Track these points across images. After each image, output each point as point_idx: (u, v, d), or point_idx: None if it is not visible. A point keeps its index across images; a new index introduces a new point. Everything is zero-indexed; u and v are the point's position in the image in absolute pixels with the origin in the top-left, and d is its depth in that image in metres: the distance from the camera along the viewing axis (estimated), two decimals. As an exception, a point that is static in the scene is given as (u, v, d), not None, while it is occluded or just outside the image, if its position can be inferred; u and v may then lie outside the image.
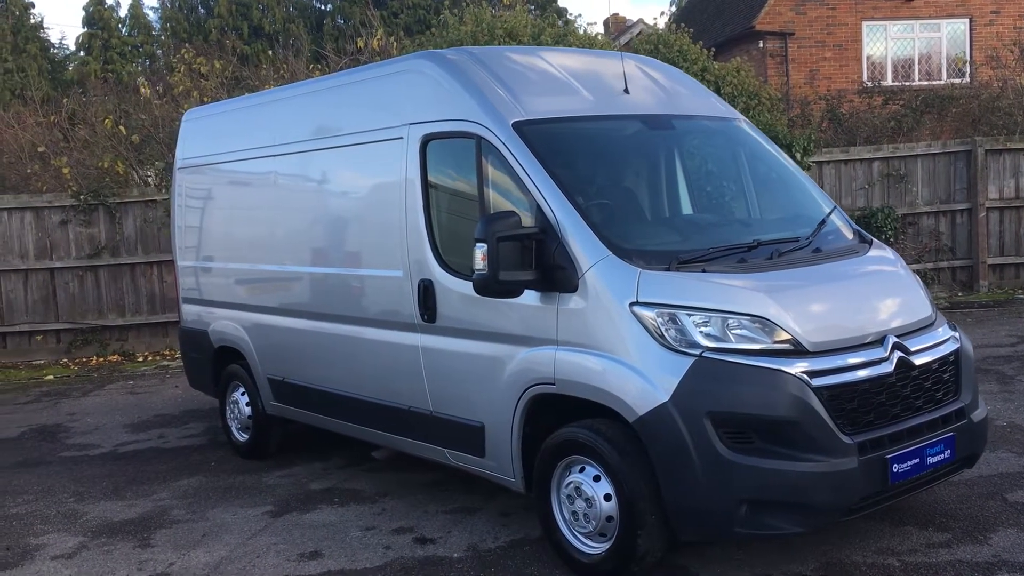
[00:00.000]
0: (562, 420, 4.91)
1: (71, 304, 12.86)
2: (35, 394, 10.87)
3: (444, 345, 5.44)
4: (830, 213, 5.48)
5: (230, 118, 7.69)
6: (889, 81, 20.32)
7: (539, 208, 4.83)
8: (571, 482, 4.78)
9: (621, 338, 4.50)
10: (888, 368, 4.50)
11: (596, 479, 4.67)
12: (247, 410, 7.52)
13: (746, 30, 21.23)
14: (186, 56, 13.39)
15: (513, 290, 4.79)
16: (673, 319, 4.40)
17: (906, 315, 4.83)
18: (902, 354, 4.57)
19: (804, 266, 4.85)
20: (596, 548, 4.71)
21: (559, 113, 5.29)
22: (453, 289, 5.32)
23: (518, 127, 5.07)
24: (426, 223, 5.47)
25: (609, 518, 4.62)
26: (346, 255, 6.18)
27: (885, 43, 21.66)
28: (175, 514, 6.31)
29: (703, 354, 4.32)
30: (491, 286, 4.71)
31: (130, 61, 32.28)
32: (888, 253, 5.38)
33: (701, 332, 4.37)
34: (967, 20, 21.68)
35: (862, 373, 4.42)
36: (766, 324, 4.37)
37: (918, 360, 4.64)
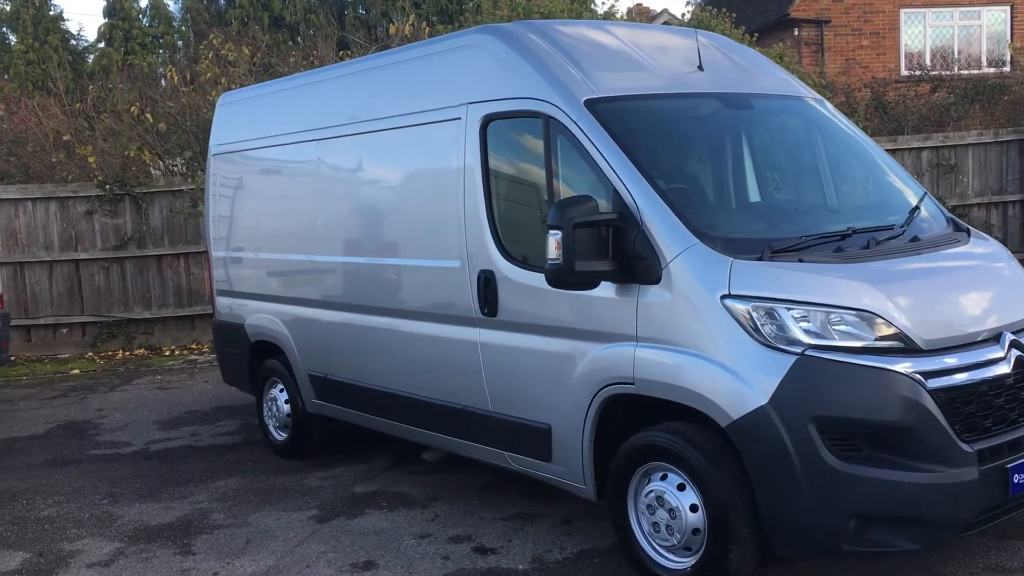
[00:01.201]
0: (638, 423, 4.52)
1: (96, 296, 12.55)
2: (61, 389, 10.57)
3: (506, 341, 5.05)
4: (922, 199, 5.07)
5: (268, 101, 7.32)
6: (916, 71, 19.77)
7: (616, 193, 4.43)
8: (651, 491, 4.39)
9: (711, 334, 4.10)
10: (1006, 368, 4.08)
11: (680, 488, 4.28)
12: (286, 408, 7.17)
13: (781, 18, 20.73)
14: (215, 42, 13.04)
15: (589, 282, 4.39)
16: (771, 313, 3.99)
17: (1020, 310, 4.41)
18: (1020, 352, 4.15)
19: (905, 256, 4.43)
20: (680, 563, 4.32)
21: (633, 90, 4.89)
22: (517, 281, 4.93)
23: (590, 105, 4.67)
24: (486, 209, 5.08)
25: (695, 530, 4.23)
26: (397, 245, 5.80)
27: (923, 31, 21.11)
28: (215, 518, 5.96)
29: (805, 352, 3.91)
30: (566, 277, 4.32)
31: (151, 52, 32.03)
32: (992, 244, 4.96)
33: (801, 328, 3.97)
34: (1008, 7, 21.10)
35: (979, 373, 4.01)
36: (874, 320, 3.96)
37: (1037, 359, 4.22)
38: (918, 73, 17.42)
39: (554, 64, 4.88)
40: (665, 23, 21.15)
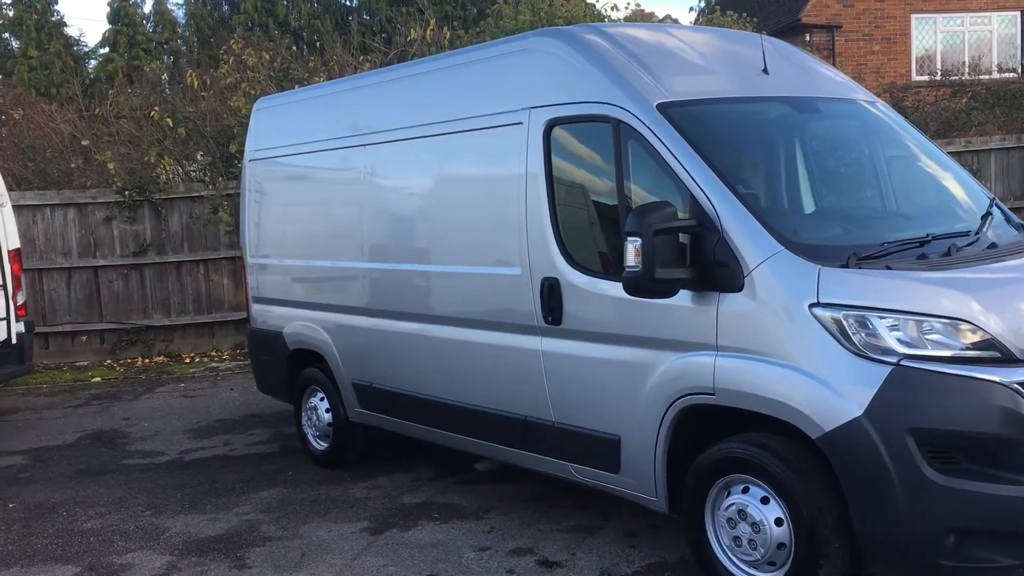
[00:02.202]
0: (714, 435, 4.42)
1: (115, 303, 12.42)
2: (84, 397, 10.44)
3: (571, 350, 4.95)
4: (991, 204, 4.98)
5: (308, 106, 7.22)
6: (938, 75, 19.73)
7: (694, 199, 4.33)
8: (732, 504, 4.28)
9: (800, 344, 4.00)
10: (1103, 377, 3.98)
11: (764, 501, 4.17)
12: (327, 416, 7.05)
13: (792, 23, 20.70)
14: (235, 47, 12.93)
15: (669, 289, 4.29)
16: (863, 322, 3.89)
17: (1105, 318, 4.31)
18: (1115, 362, 4.05)
19: (989, 263, 4.34)
20: (765, 578, 4.22)
21: (704, 94, 4.80)
22: (583, 288, 4.83)
23: (663, 109, 4.58)
24: (551, 215, 4.98)
25: (780, 545, 4.13)
26: (452, 251, 5.68)
27: (935, 36, 21.11)
28: (265, 530, 5.84)
29: (901, 362, 3.81)
30: (645, 285, 4.22)
31: (155, 57, 31.89)
32: (1070, 249, 4.86)
33: (895, 337, 3.87)
34: (1018, 12, 21.11)
35: (1075, 384, 3.91)
36: (970, 329, 3.86)
37: None
38: (937, 79, 17.38)
39: (622, 67, 4.79)
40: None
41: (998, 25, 21.15)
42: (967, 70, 18.36)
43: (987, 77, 18.24)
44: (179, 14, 34.51)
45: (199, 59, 15.77)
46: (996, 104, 14.58)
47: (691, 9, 28.05)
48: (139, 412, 9.51)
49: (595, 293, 4.78)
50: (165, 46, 33.14)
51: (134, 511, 6.39)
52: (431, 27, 12.99)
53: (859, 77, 19.50)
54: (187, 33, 33.65)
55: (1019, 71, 19.39)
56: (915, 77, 20.25)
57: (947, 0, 20.87)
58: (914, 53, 20.99)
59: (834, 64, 20.32)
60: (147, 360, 12.31)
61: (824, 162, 5.20)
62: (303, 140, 7.01)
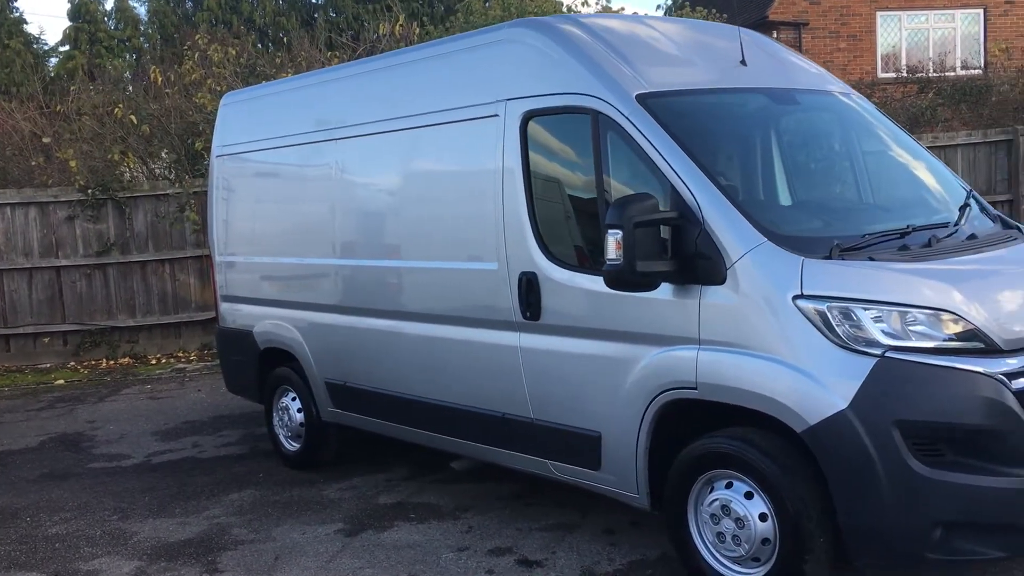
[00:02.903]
0: (696, 430, 4.36)
1: (78, 304, 12.17)
2: (47, 400, 10.20)
3: (550, 345, 4.87)
4: (969, 196, 4.98)
5: (277, 100, 7.07)
6: (904, 72, 19.91)
7: (674, 190, 4.27)
8: (715, 500, 4.22)
9: (784, 336, 3.95)
10: (1081, 368, 3.97)
11: (748, 496, 4.12)
12: (299, 416, 6.92)
13: (760, 20, 20.77)
14: (200, 43, 12.70)
15: (650, 283, 4.22)
16: (847, 314, 3.85)
17: (1086, 308, 4.31)
18: (1095, 352, 4.04)
19: (970, 254, 4.32)
20: (749, 574, 4.16)
21: (683, 85, 4.74)
22: (562, 283, 4.75)
23: (642, 100, 4.51)
24: (528, 209, 4.90)
25: (765, 540, 4.07)
26: (427, 247, 5.58)
27: (899, 33, 21.30)
28: (237, 533, 5.70)
29: (885, 354, 3.77)
30: (627, 278, 4.15)
31: (117, 55, 31.36)
32: (1049, 240, 4.86)
33: (879, 328, 3.83)
34: (981, 10, 21.35)
35: (1059, 374, 3.89)
36: (953, 319, 3.83)
37: (1108, 359, 4.12)
38: (903, 76, 17.53)
39: (600, 58, 4.71)
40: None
41: (961, 22, 21.38)
42: (932, 67, 18.54)
43: (952, 74, 18.43)
44: (141, 11, 34.00)
45: (163, 56, 15.46)
46: (961, 100, 14.72)
47: (658, 7, 27.99)
48: (104, 414, 9.30)
49: (574, 287, 4.70)
50: (127, 43, 32.61)
51: (101, 516, 6.22)
52: (400, 23, 12.85)
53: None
54: (150, 30, 33.15)
55: (982, 68, 19.63)
56: (880, 74, 20.41)
57: (911, -3, 21.07)
58: (879, 50, 21.17)
59: (801, 61, 20.42)
60: (112, 362, 12.08)
61: (803, 154, 5.17)
62: (272, 135, 6.86)
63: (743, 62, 5.04)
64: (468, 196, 5.26)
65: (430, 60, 5.71)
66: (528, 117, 4.92)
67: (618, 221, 4.09)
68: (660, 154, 4.34)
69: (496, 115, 5.07)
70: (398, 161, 5.82)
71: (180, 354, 12.33)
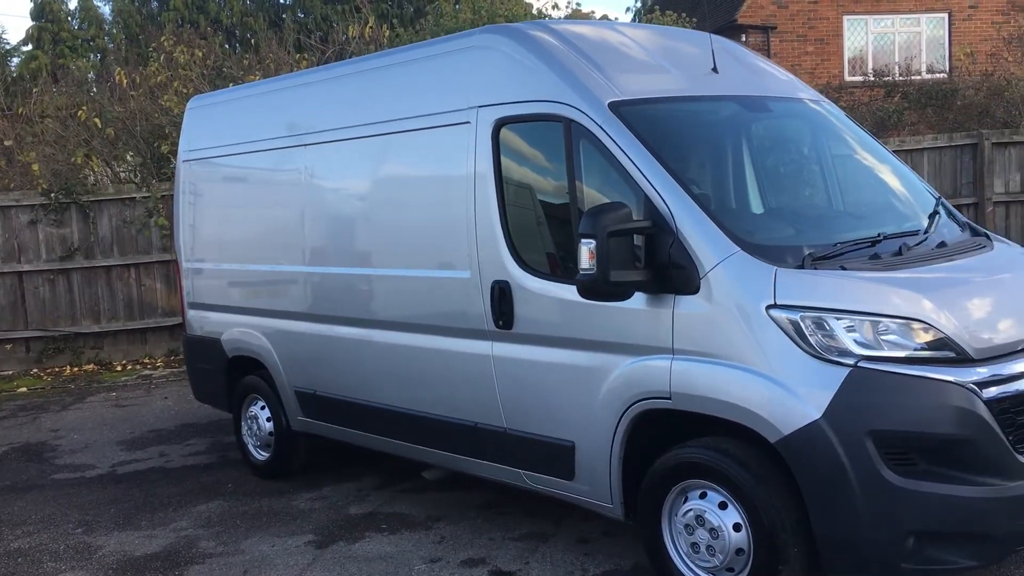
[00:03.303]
0: (670, 440, 4.35)
1: (41, 310, 11.94)
2: (9, 408, 10.00)
3: (523, 354, 4.83)
4: (938, 203, 5.00)
5: (246, 104, 6.97)
6: (870, 76, 20.10)
7: (648, 199, 4.25)
8: (690, 510, 4.21)
9: (757, 346, 3.94)
10: (1052, 377, 4.00)
11: (722, 506, 4.10)
12: (268, 426, 6.83)
13: (728, 23, 20.88)
14: (166, 44, 12.53)
15: (624, 292, 4.20)
16: (820, 324, 3.85)
17: (1056, 315, 4.34)
18: (1063, 360, 4.08)
19: (939, 262, 4.33)
20: (723, 585, 4.15)
21: (655, 93, 4.72)
22: (535, 291, 4.72)
23: (615, 107, 4.49)
24: (500, 217, 4.86)
25: (739, 550, 4.06)
26: (398, 254, 5.51)
27: (866, 37, 21.49)
28: (204, 546, 5.61)
29: (858, 363, 3.77)
30: (600, 287, 4.12)
31: (81, 55, 30.91)
32: (1016, 247, 4.91)
33: (852, 338, 3.83)
34: (946, 15, 21.60)
35: (1029, 382, 3.92)
36: (924, 329, 3.84)
37: (1077, 366, 4.15)
38: (870, 79, 17.69)
39: (573, 65, 4.68)
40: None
41: (927, 27, 21.61)
42: (898, 71, 18.73)
43: (918, 78, 18.63)
44: (105, 11, 33.55)
45: (127, 57, 15.24)
46: (927, 104, 14.87)
47: (627, 9, 28.08)
48: (68, 423, 9.13)
49: (547, 296, 4.67)
50: (91, 43, 32.16)
51: (64, 529, 6.10)
52: (370, 25, 12.75)
53: (794, 77, 19.82)
54: (114, 30, 32.71)
55: (948, 72, 19.85)
56: (848, 78, 20.58)
57: (877, 2, 21.26)
58: (846, 54, 21.35)
59: (769, 65, 20.54)
60: (76, 368, 11.87)
61: (775, 162, 5.18)
62: (241, 140, 6.77)
63: (715, 69, 5.04)
64: (440, 204, 5.21)
65: (402, 65, 5.65)
66: (500, 124, 4.88)
67: (592, 230, 4.06)
68: (633, 163, 4.32)
69: (468, 122, 5.02)
70: (369, 167, 5.75)
71: (146, 360, 12.16)
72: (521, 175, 4.93)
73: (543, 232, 4.84)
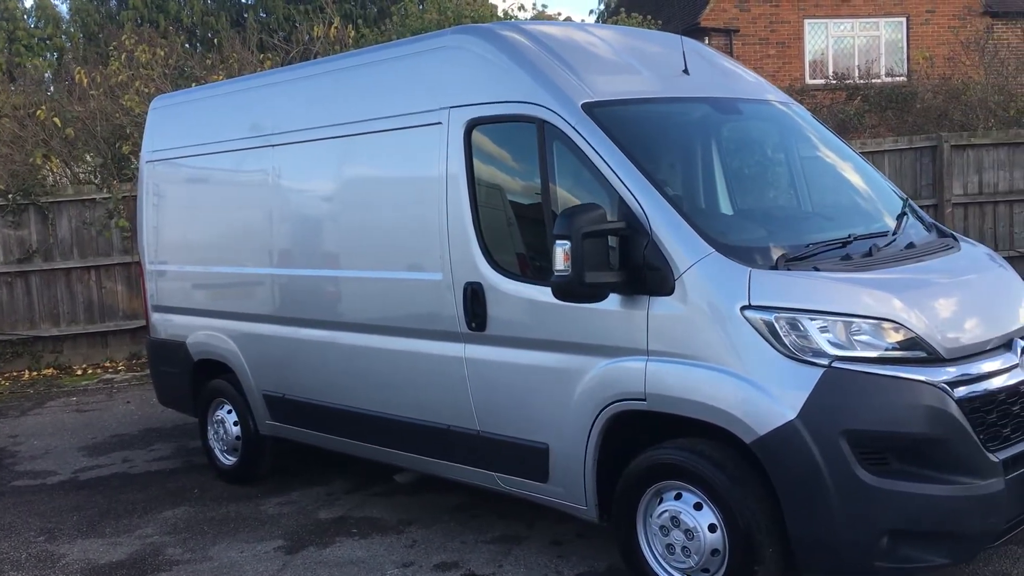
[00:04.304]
0: (645, 441, 4.34)
1: (-1, 313, 11.69)
2: (-34, 414, 9.77)
3: (496, 356, 4.80)
4: (906, 204, 5.06)
5: (211, 104, 6.88)
6: (831, 79, 20.34)
7: (622, 201, 4.24)
8: (665, 511, 4.21)
9: (732, 347, 3.95)
10: (1021, 375, 4.06)
11: (697, 507, 4.11)
12: (235, 430, 6.73)
13: (691, 26, 21.01)
14: (127, 43, 12.33)
15: (599, 294, 4.19)
16: (794, 324, 3.87)
17: (1023, 315, 4.41)
18: (1031, 359, 4.14)
19: (908, 263, 4.38)
20: (699, 586, 4.15)
21: (628, 94, 4.72)
22: (508, 293, 4.70)
23: (588, 109, 4.48)
24: (473, 219, 4.83)
25: (714, 551, 4.07)
26: (370, 256, 5.46)
27: (826, 41, 21.75)
28: (171, 553, 5.51)
29: (832, 364, 3.80)
30: (575, 289, 4.11)
31: (37, 54, 30.35)
32: (982, 248, 4.98)
33: (826, 338, 3.85)
34: (904, 19, 21.93)
35: (998, 381, 3.97)
36: (897, 329, 3.88)
37: (1045, 365, 4.21)
38: (831, 82, 17.91)
39: (546, 66, 4.67)
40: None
41: (885, 30, 21.92)
42: (858, 74, 18.99)
43: (878, 81, 18.90)
44: (63, 9, 32.99)
45: (86, 56, 14.98)
46: (887, 107, 15.08)
47: (591, 12, 28.06)
48: (28, 429, 8.94)
49: (520, 298, 4.65)
50: (48, 42, 31.60)
51: (26, 537, 5.96)
52: (335, 25, 12.65)
53: (756, 80, 19.98)
54: (72, 29, 32.17)
55: (906, 75, 20.16)
56: (809, 81, 20.82)
57: (837, 6, 21.52)
58: (807, 57, 21.59)
59: (732, 67, 20.69)
60: (35, 373, 11.63)
61: (747, 163, 5.21)
62: (206, 140, 6.67)
63: (686, 71, 5.05)
64: (411, 205, 5.17)
65: (372, 65, 5.60)
66: (472, 125, 4.85)
67: (566, 232, 4.04)
68: (607, 164, 4.31)
69: (439, 123, 4.99)
70: (339, 168, 5.69)
71: (108, 364, 11.95)
72: (493, 176, 4.91)
73: (516, 233, 4.82)
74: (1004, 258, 4.99)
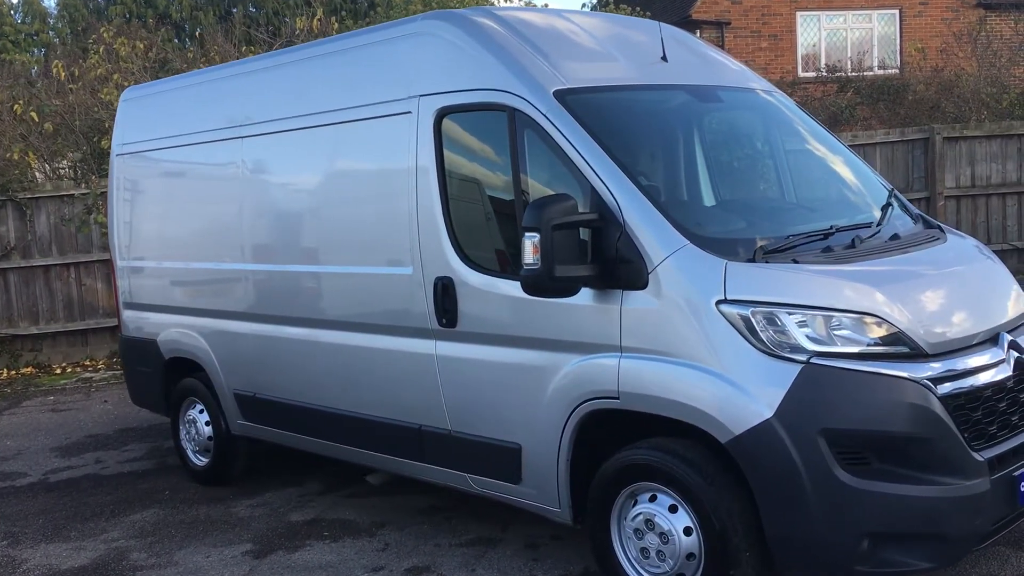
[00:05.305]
0: (620, 441, 4.18)
1: (-24, 312, 11.50)
2: (-60, 414, 9.59)
3: (467, 353, 4.64)
4: (891, 195, 4.90)
5: (182, 95, 6.69)
6: (823, 71, 20.18)
7: (594, 191, 4.08)
8: (639, 513, 4.05)
9: (707, 343, 3.79)
10: (1007, 371, 3.90)
11: (672, 509, 3.95)
12: (207, 430, 6.56)
13: (683, 19, 20.84)
14: (106, 36, 12.12)
15: (570, 288, 4.03)
16: (771, 319, 3.70)
17: (1011, 309, 4.26)
18: (1019, 353, 3.98)
19: (892, 255, 4.22)
20: (674, 591, 3.99)
21: (602, 81, 4.55)
22: (479, 288, 4.53)
23: (560, 96, 4.31)
24: (443, 211, 4.66)
25: (690, 555, 3.91)
26: (339, 251, 5.30)
27: (819, 34, 21.60)
28: (136, 558, 5.35)
29: (811, 360, 3.64)
30: (545, 283, 3.94)
31: (24, 50, 30.10)
32: (970, 240, 4.82)
33: (804, 334, 3.69)
34: (897, 11, 21.78)
35: (984, 377, 3.81)
36: (877, 323, 3.72)
37: (1032, 360, 4.06)
38: (823, 75, 17.75)
39: (518, 52, 4.50)
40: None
41: (878, 23, 21.78)
42: (851, 66, 18.82)
43: (870, 73, 18.75)
44: (50, 4, 32.74)
45: (71, 51, 14.78)
46: (879, 99, 14.93)
47: (584, 4, 27.60)
48: (2, 429, 8.76)
49: (492, 293, 4.48)
50: (35, 38, 31.36)
51: (-11, 542, 5.81)
52: (319, 17, 12.45)
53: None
54: (59, 25, 31.94)
55: (899, 67, 20.01)
56: (801, 74, 20.67)
57: (830, -2, 21.38)
58: (800, 50, 21.43)
59: (723, 60, 20.52)
60: (13, 372, 11.44)
61: (727, 153, 5.05)
62: (177, 132, 6.49)
63: (664, 58, 4.88)
64: (382, 197, 5.00)
65: (341, 54, 5.43)
66: (443, 114, 4.69)
67: (535, 223, 3.88)
68: (579, 153, 4.14)
69: (409, 112, 4.82)
70: (308, 160, 5.51)
71: (87, 363, 11.77)
72: (464, 167, 4.74)
73: (487, 226, 4.66)
74: (997, 251, 4.85)
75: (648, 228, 3.93)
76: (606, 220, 4.01)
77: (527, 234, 3.91)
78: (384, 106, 4.96)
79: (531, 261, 3.92)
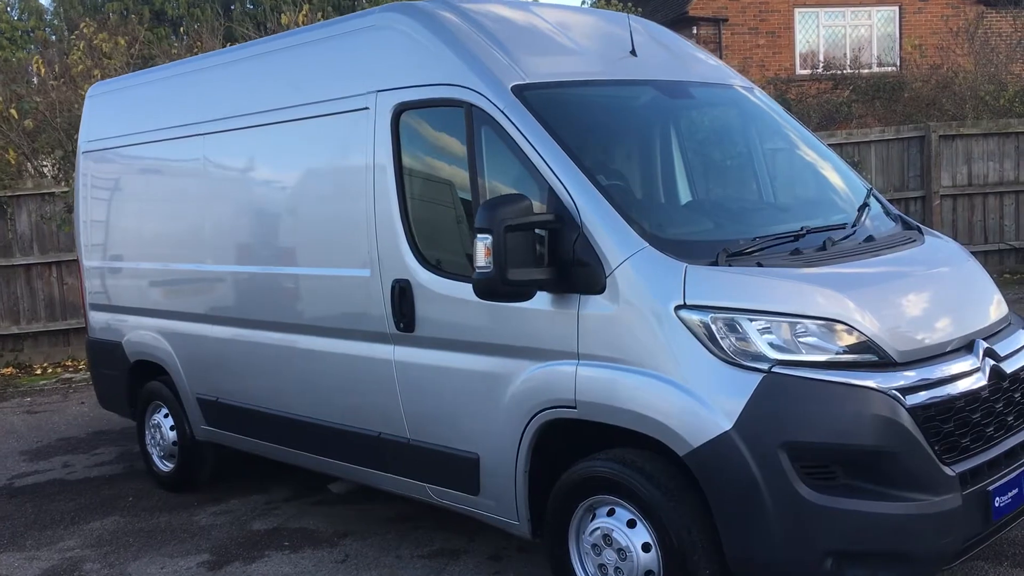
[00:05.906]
0: (580, 451, 4.00)
1: (-44, 311, 11.35)
2: (-86, 416, 9.43)
3: (425, 359, 4.46)
4: (868, 195, 4.71)
5: (146, 92, 6.52)
6: (821, 69, 19.95)
7: (551, 191, 3.90)
8: (597, 528, 3.87)
9: (665, 350, 3.60)
10: (982, 380, 3.71)
11: (631, 524, 3.77)
12: (171, 435, 6.39)
13: (680, 15, 20.64)
14: (86, 32, 11.95)
15: (524, 292, 3.84)
16: (732, 325, 3.52)
17: (988, 315, 4.07)
18: (994, 362, 3.79)
19: (865, 258, 4.02)
20: (632, 610, 3.81)
21: (564, 76, 4.36)
22: (437, 291, 4.35)
23: (518, 91, 4.13)
24: (400, 211, 4.49)
25: (648, 573, 3.73)
26: (296, 251, 5.13)
27: (817, 31, 21.36)
28: (88, 568, 5.18)
29: (772, 368, 3.45)
30: (497, 287, 3.76)
31: (20, 47, 29.95)
32: (950, 242, 4.62)
33: (766, 341, 3.51)
34: (897, 8, 21.54)
35: (957, 387, 3.62)
36: (845, 331, 3.53)
37: (1009, 368, 3.87)
38: (820, 72, 17.54)
39: (476, 46, 4.32)
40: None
41: (877, 20, 21.53)
42: (848, 64, 18.60)
43: (867, 71, 18.51)
44: (46, 1, 32.59)
45: (58, 48, 14.62)
46: (875, 97, 14.73)
47: (583, 1, 27.28)
48: (-27, 432, 8.61)
49: (449, 296, 4.30)
50: (31, 35, 31.21)
51: (-58, 550, 5.64)
52: (304, 12, 12.28)
53: (744, 70, 19.51)
54: (55, 21, 31.77)
55: (897, 65, 19.78)
56: (799, 71, 20.45)
57: (828, -6, 21.14)
58: (798, 48, 21.20)
59: (721, 58, 20.32)
60: (-7, 372, 11.31)
61: (695, 151, 4.85)
62: (139, 130, 6.32)
63: (633, 52, 4.69)
64: (339, 196, 4.83)
65: (298, 48, 5.25)
66: (400, 110, 4.51)
67: (488, 224, 3.69)
68: (536, 150, 3.96)
69: (367, 108, 4.64)
70: (267, 158, 5.35)
71: (69, 363, 11.61)
72: (422, 165, 4.56)
73: (445, 227, 4.48)
74: (994, 251, 4.65)
75: (606, 229, 3.75)
76: (563, 221, 3.83)
77: (479, 235, 3.72)
78: (342, 102, 4.78)
79: (483, 264, 3.73)
